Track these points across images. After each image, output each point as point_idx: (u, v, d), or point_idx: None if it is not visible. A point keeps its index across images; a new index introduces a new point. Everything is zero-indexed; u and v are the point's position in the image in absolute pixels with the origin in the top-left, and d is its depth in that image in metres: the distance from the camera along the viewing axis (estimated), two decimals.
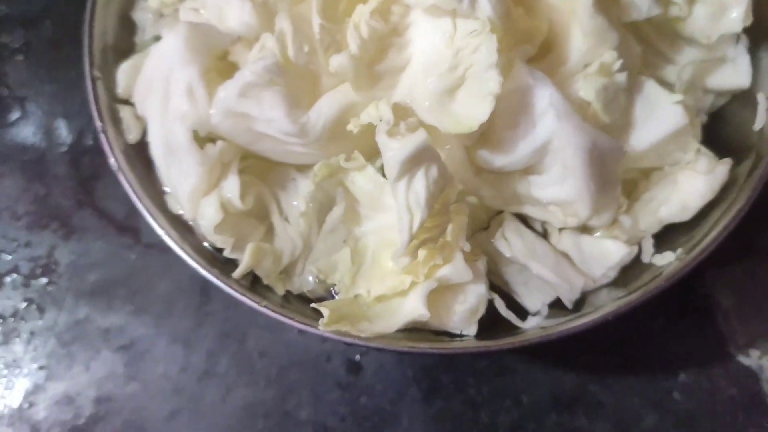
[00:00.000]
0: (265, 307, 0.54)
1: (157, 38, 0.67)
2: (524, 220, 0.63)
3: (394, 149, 0.50)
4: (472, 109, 0.52)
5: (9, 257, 0.85)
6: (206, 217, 0.57)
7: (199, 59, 0.57)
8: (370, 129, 0.52)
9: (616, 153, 0.55)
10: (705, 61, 0.65)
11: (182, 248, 0.57)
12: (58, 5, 0.98)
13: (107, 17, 0.69)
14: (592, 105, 0.57)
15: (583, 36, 0.58)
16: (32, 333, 0.82)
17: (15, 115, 0.93)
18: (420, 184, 0.51)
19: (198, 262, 0.56)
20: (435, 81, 0.53)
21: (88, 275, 0.83)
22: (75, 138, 0.91)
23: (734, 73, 0.65)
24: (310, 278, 0.62)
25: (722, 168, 0.59)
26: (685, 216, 0.60)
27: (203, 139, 0.59)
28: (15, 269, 0.85)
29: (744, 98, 0.67)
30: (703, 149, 0.61)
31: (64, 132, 0.91)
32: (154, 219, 0.58)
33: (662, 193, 0.60)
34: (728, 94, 0.67)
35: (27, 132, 0.92)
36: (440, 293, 0.56)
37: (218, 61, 0.59)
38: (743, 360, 0.76)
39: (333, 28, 0.53)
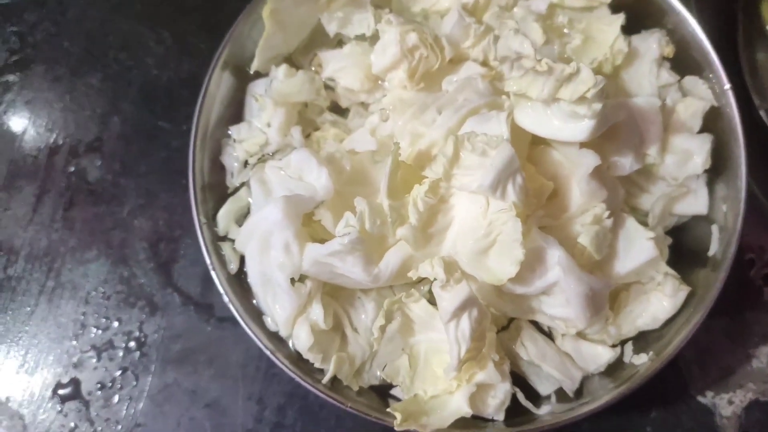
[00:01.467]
0: (350, 407, 0.74)
1: (245, 184, 0.85)
2: (536, 323, 0.83)
3: (447, 300, 0.70)
4: (502, 267, 0.71)
5: (102, 333, 1.00)
6: (300, 340, 0.76)
7: (293, 224, 0.74)
8: None
9: (605, 289, 0.75)
10: (673, 195, 0.84)
11: (284, 364, 0.76)
12: (123, 105, 1.11)
13: (203, 160, 0.85)
14: (587, 248, 0.76)
15: (580, 194, 0.77)
16: (130, 397, 0.97)
17: (98, 205, 1.06)
18: (465, 323, 0.70)
19: (296, 374, 0.76)
20: (473, 244, 0.72)
21: (173, 345, 0.97)
22: (151, 226, 1.04)
23: (695, 202, 0.84)
24: (378, 373, 0.81)
25: (682, 294, 0.79)
26: (656, 325, 0.81)
27: None
28: (110, 343, 0.99)
29: (702, 218, 0.86)
30: (670, 272, 0.80)
31: (140, 220, 1.04)
32: (258, 339, 0.77)
33: (638, 308, 0.80)
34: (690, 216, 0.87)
35: (108, 222, 1.05)
36: (477, 392, 0.76)
37: (306, 219, 0.77)
38: (701, 399, 0.93)
39: (397, 204, 0.72)
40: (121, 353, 0.99)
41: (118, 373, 0.98)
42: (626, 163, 0.79)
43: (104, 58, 1.14)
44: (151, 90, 1.11)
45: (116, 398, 0.97)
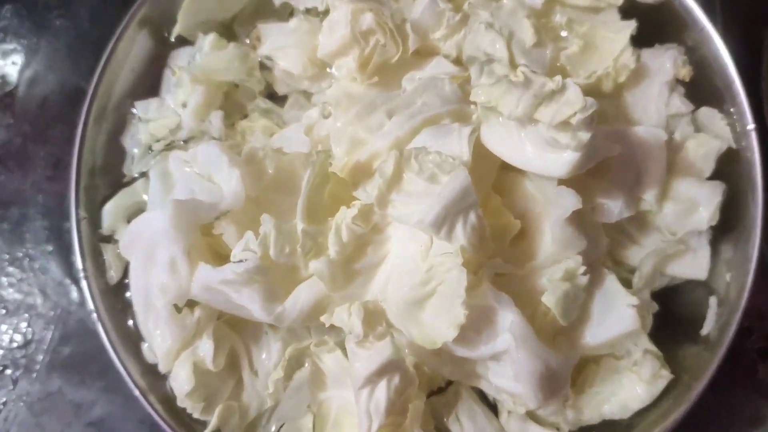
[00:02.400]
0: None
1: (144, 174, 0.69)
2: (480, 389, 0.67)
3: (362, 360, 0.54)
4: (438, 327, 0.55)
5: None
6: (178, 382, 0.61)
7: (183, 236, 0.59)
8: None
9: (566, 367, 0.60)
10: (668, 252, 0.68)
11: (153, 408, 0.60)
12: (46, 59, 0.97)
13: (98, 137, 0.70)
14: (552, 311, 0.60)
15: (552, 240, 0.61)
16: (4, 402, 0.85)
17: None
18: (381, 393, 0.55)
19: (168, 423, 0.60)
20: (407, 291, 0.56)
21: (63, 348, 0.86)
22: (56, 204, 0.91)
23: (694, 264, 0.69)
24: (273, 428, 0.66)
25: (662, 381, 0.64)
26: (625, 414, 0.66)
27: None
28: None
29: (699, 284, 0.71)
30: (651, 348, 0.65)
31: (45, 196, 0.91)
32: (129, 375, 0.61)
33: (606, 390, 0.65)
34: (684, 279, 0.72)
35: (7, 192, 0.92)
36: None
37: (204, 229, 0.62)
38: None
39: (315, 230, 0.56)
40: (2, 348, 0.87)
41: None
42: (615, 208, 0.64)
43: (32, 4, 1.00)
44: (80, 46, 0.97)
45: None
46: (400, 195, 0.56)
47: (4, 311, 0.88)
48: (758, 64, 0.88)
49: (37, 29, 0.98)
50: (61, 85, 0.96)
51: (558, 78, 0.52)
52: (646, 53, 0.72)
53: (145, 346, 0.66)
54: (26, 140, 0.94)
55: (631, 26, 0.71)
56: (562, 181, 0.59)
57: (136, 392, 0.62)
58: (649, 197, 0.66)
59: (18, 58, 0.98)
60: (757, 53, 0.89)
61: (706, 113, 0.72)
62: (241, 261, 0.56)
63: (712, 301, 0.69)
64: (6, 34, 0.99)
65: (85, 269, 0.65)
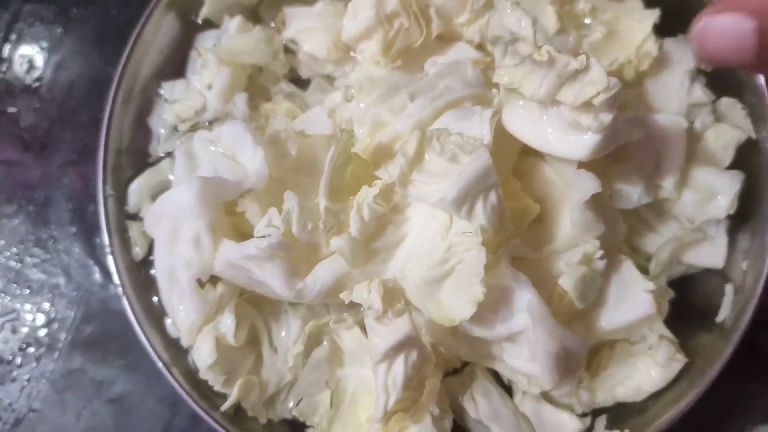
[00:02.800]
0: None
1: (169, 154, 0.70)
2: (495, 371, 0.68)
3: (380, 335, 0.55)
4: (456, 305, 0.56)
5: (9, 300, 0.89)
6: (200, 355, 0.62)
7: (207, 213, 0.60)
8: None
9: (582, 349, 0.60)
10: (685, 240, 0.68)
11: (176, 380, 0.62)
12: (73, 44, 0.98)
13: (125, 118, 0.71)
14: (568, 294, 0.61)
15: (571, 224, 0.62)
16: (28, 378, 0.86)
17: (26, 154, 0.94)
18: (399, 368, 0.56)
19: (190, 395, 0.61)
20: (426, 270, 0.57)
21: (85, 327, 0.86)
22: (81, 186, 0.92)
23: (711, 252, 0.69)
24: (292, 404, 0.67)
25: (677, 364, 0.64)
26: (638, 397, 0.66)
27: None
28: (15, 313, 0.89)
29: (716, 273, 0.71)
30: (666, 334, 0.65)
31: (71, 178, 0.92)
32: (153, 348, 0.62)
33: (621, 373, 0.66)
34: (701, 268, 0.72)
35: (34, 174, 0.93)
36: None
37: (227, 209, 0.63)
38: None
39: (337, 208, 0.57)
40: (26, 327, 0.88)
41: (20, 348, 0.88)
42: (634, 194, 0.64)
43: None
44: (107, 31, 0.98)
45: (13, 376, 0.87)
46: (421, 174, 0.56)
47: (28, 291, 0.89)
48: None
49: (64, 15, 0.99)
50: (88, 70, 0.97)
51: (582, 57, 0.53)
52: (669, 42, 0.72)
53: (168, 322, 0.68)
54: (53, 124, 0.95)
55: (654, 15, 0.71)
56: (581, 165, 0.60)
57: (159, 364, 0.63)
58: (667, 184, 0.66)
59: (45, 44, 0.99)
60: None
61: (727, 103, 0.71)
62: (264, 236, 0.57)
63: (728, 288, 0.69)
64: (33, 19, 1.00)
65: (111, 245, 0.66)
